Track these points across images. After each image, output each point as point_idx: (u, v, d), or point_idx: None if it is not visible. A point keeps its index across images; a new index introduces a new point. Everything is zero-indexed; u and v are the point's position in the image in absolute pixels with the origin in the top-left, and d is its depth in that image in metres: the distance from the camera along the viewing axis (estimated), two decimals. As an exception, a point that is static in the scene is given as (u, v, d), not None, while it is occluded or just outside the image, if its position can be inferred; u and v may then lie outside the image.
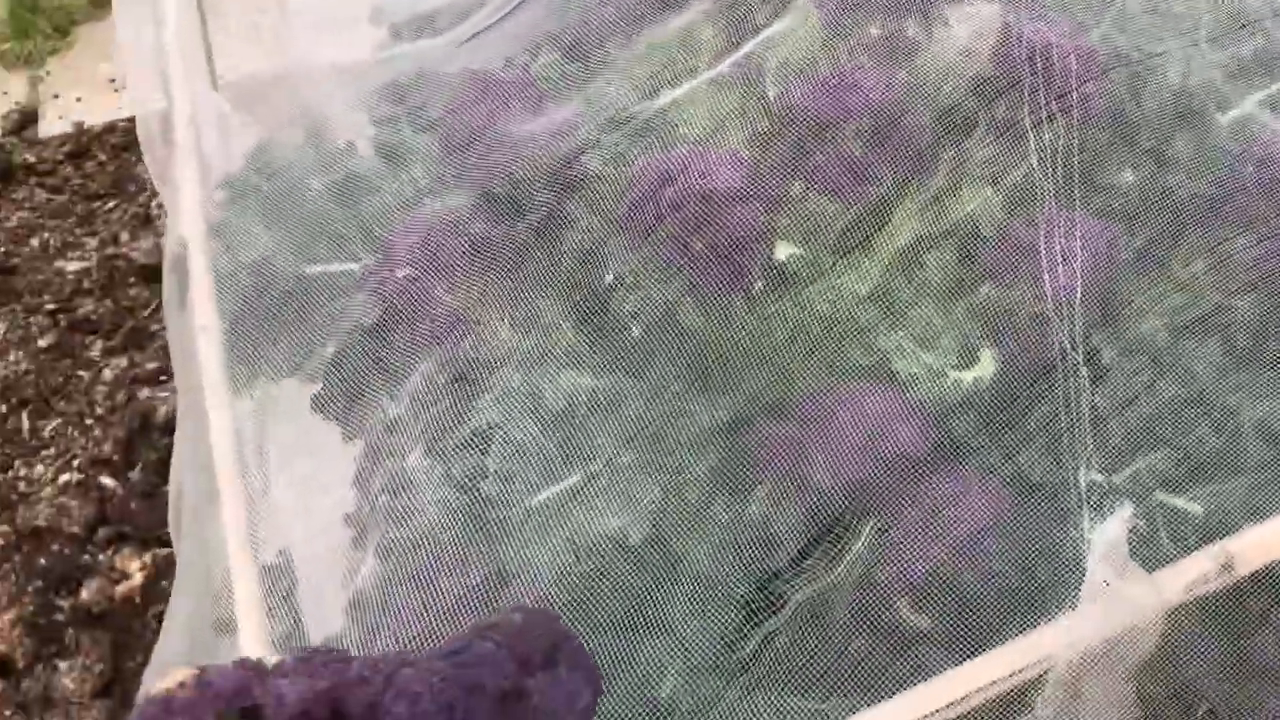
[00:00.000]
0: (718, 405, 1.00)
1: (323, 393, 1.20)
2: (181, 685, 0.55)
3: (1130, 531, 0.91)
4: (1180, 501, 1.03)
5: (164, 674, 0.56)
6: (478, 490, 0.97)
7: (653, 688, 0.94)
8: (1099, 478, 0.95)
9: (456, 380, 1.02)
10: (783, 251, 1.05)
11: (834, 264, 1.01)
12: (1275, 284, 1.06)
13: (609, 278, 1.01)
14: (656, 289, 1.01)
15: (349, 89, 1.42)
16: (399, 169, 1.17)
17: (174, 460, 1.43)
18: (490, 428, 0.98)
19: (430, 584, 0.94)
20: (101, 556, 2.39)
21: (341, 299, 1.14)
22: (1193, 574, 0.92)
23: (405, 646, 0.92)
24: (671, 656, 0.95)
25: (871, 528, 0.92)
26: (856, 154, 1.00)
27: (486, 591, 0.91)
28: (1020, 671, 0.90)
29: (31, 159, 3.20)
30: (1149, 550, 0.99)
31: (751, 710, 0.92)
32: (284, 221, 1.20)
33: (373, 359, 1.08)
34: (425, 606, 0.91)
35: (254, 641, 0.96)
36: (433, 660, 0.59)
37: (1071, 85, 1.01)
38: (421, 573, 0.95)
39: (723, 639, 0.94)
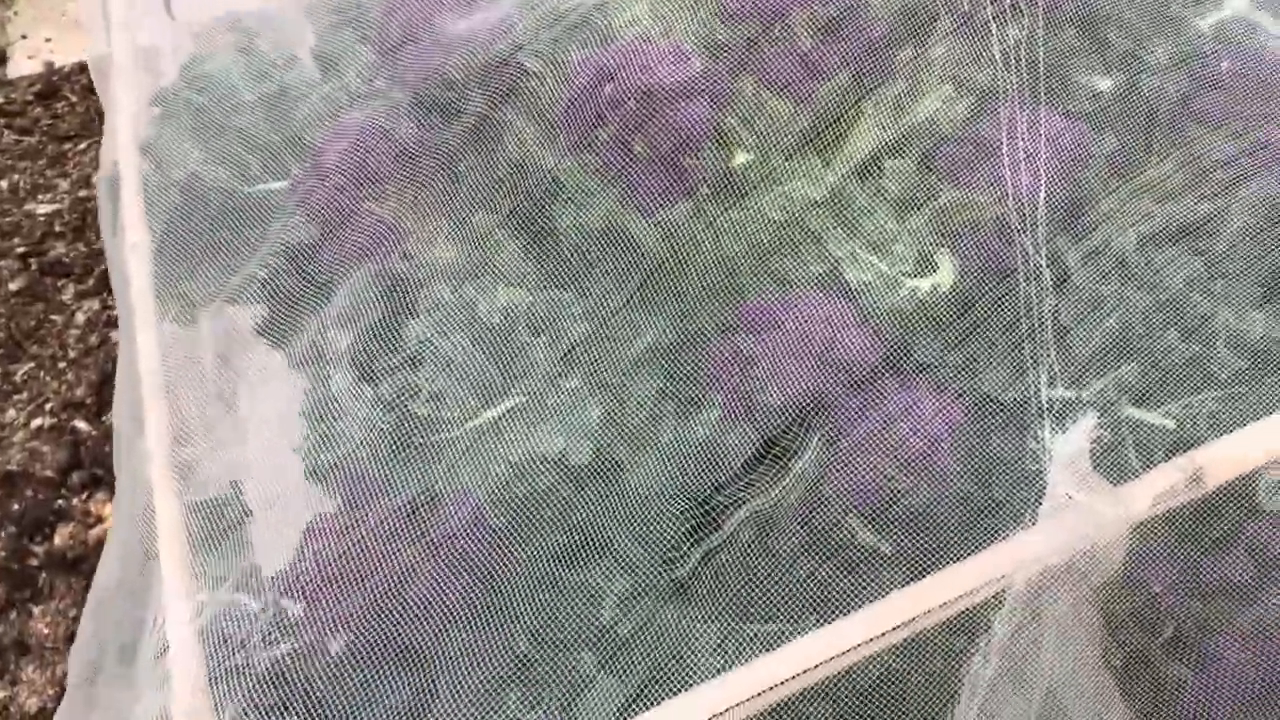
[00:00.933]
0: (662, 317, 0.95)
1: (265, 317, 1.15)
2: None
3: (1094, 444, 0.86)
4: (1150, 415, 0.98)
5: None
6: (408, 410, 0.92)
7: (594, 611, 0.90)
8: (1062, 388, 0.90)
9: (387, 295, 0.97)
10: (738, 158, 0.99)
11: (784, 167, 0.95)
12: (1249, 186, 1.00)
13: (547, 184, 0.96)
14: (598, 196, 0.96)
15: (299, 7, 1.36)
16: (333, 76, 1.11)
17: (115, 392, 1.39)
18: (422, 344, 0.93)
19: (359, 507, 0.89)
20: (75, 501, 2.37)
21: (272, 217, 1.09)
22: (1160, 486, 0.87)
23: (331, 570, 0.88)
24: (613, 578, 0.90)
25: (819, 440, 0.88)
26: (808, 47, 0.94)
27: (414, 512, 0.86)
28: (977, 590, 0.86)
29: (0, 100, 3.13)
30: (1113, 465, 0.94)
31: (694, 630, 0.88)
32: (216, 137, 1.15)
33: (303, 277, 1.03)
34: (350, 529, 0.86)
35: (175, 568, 0.92)
36: None
37: (1037, -29, 0.95)
38: (350, 495, 0.91)
39: (665, 560, 0.90)
